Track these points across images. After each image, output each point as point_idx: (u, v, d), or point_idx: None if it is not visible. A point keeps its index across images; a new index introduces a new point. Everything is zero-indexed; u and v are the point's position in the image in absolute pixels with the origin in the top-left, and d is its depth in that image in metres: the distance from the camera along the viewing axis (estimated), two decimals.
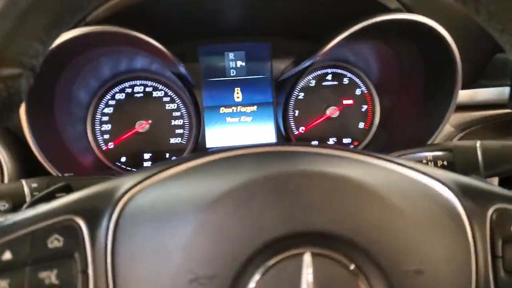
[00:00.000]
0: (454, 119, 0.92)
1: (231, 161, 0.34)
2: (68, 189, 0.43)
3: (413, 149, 0.58)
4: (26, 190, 0.47)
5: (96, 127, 0.91)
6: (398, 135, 0.91)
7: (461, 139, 0.88)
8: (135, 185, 0.33)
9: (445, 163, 0.54)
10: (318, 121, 0.97)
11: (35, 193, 0.47)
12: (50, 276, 0.28)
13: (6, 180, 0.66)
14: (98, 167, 0.88)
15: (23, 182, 0.48)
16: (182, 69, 0.76)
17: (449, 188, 0.34)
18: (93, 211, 0.31)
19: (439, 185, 0.34)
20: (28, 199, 0.47)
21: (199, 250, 0.28)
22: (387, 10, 0.68)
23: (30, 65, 0.28)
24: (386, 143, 0.94)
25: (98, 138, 0.91)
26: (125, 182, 0.33)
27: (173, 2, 0.71)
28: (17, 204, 0.46)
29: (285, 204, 0.30)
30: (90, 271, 0.29)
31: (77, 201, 0.32)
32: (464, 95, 0.88)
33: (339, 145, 0.99)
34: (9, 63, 0.27)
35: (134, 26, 0.65)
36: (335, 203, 0.30)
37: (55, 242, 0.29)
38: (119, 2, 0.62)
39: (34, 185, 0.48)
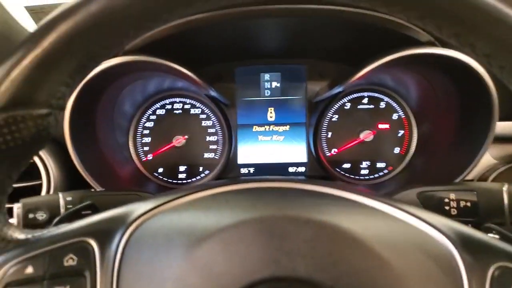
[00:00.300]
0: (498, 151, 0.87)
1: (226, 197, 0.36)
2: (93, 208, 0.48)
3: (436, 186, 0.56)
4: (62, 202, 0.53)
5: (137, 139, 0.97)
6: (433, 163, 0.87)
7: (502, 172, 0.83)
8: (146, 212, 0.36)
9: (468, 204, 0.52)
10: (351, 144, 0.96)
11: (69, 206, 0.53)
12: None
13: (52, 187, 0.73)
14: (136, 177, 0.94)
15: (60, 195, 0.54)
16: (212, 92, 0.79)
17: (448, 238, 0.33)
18: (106, 234, 0.35)
19: (437, 233, 0.33)
20: (62, 211, 0.53)
21: (188, 284, 0.31)
22: (418, 43, 0.66)
23: (57, 105, 0.33)
24: (421, 170, 0.91)
25: (139, 150, 0.97)
26: (137, 208, 0.36)
27: (214, 31, 0.74)
28: (53, 214, 0.52)
29: (271, 247, 0.31)
30: None
31: (92, 224, 0.36)
32: (508, 126, 0.83)
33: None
34: (39, 105, 0.31)
35: (173, 52, 0.69)
36: (319, 250, 0.31)
37: (70, 261, 0.33)
38: (159, 32, 0.66)
39: (69, 198, 0.54)
